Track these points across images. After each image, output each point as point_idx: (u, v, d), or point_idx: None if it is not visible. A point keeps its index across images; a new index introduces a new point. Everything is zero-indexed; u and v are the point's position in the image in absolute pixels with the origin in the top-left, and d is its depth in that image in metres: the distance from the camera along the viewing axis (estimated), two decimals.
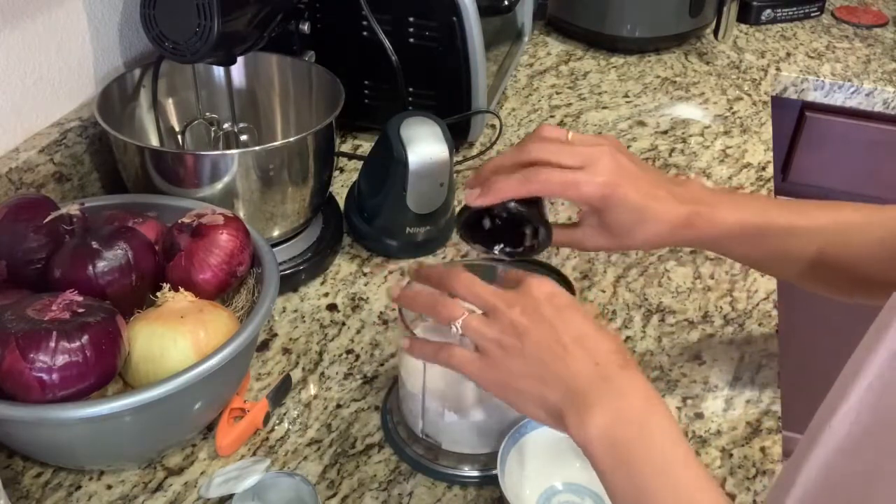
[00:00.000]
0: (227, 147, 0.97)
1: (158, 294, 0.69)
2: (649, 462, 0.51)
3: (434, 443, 0.69)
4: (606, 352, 0.55)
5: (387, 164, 0.88)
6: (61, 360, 0.59)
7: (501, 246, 0.69)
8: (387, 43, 0.99)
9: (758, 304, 0.89)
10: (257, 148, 0.82)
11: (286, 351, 0.82)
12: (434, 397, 0.67)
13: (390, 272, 0.92)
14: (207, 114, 0.96)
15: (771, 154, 1.17)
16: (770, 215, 0.69)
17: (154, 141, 0.94)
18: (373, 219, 0.92)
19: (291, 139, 0.84)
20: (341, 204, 0.99)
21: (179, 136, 0.96)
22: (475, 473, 0.69)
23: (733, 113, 1.26)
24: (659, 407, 0.53)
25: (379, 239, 0.93)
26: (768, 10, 1.53)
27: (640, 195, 0.66)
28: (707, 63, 1.41)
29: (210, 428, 0.72)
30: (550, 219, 0.69)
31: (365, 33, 1.03)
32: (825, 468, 0.43)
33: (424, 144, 0.88)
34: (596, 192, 0.65)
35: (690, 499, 0.50)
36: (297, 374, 0.79)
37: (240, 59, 0.90)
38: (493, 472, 0.65)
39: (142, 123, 0.93)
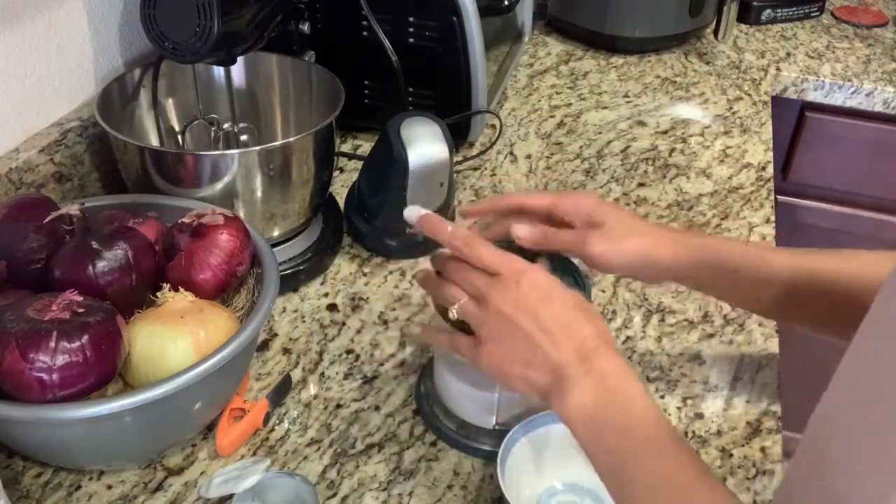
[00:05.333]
0: (227, 147, 0.97)
1: (158, 294, 0.69)
2: (622, 438, 0.54)
3: (510, 429, 0.69)
4: (586, 336, 0.58)
5: (387, 164, 0.88)
6: (61, 360, 0.59)
7: None
8: (387, 43, 0.98)
9: None
10: (257, 148, 0.82)
11: (286, 351, 0.82)
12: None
13: (390, 272, 0.92)
14: (208, 114, 0.96)
15: (771, 154, 1.17)
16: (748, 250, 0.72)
17: (154, 141, 0.94)
18: (373, 219, 0.92)
19: (291, 139, 0.84)
20: (341, 204, 0.99)
21: (179, 136, 0.96)
22: None
23: (733, 113, 1.26)
24: (631, 382, 0.56)
25: (379, 239, 0.93)
26: (768, 10, 1.53)
27: (628, 215, 0.71)
28: (707, 63, 1.41)
29: (210, 428, 0.72)
30: None
31: (365, 33, 1.03)
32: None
33: (424, 144, 0.88)
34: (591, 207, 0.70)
35: (659, 470, 0.52)
36: (297, 374, 0.79)
37: (240, 59, 0.90)
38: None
39: (142, 123, 0.93)
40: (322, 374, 0.79)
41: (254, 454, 0.71)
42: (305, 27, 1.02)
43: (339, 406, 0.76)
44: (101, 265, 0.68)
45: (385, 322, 0.85)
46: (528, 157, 1.14)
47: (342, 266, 0.93)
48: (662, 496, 0.51)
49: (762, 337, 0.85)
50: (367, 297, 0.88)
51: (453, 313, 0.62)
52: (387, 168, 0.89)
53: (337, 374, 0.79)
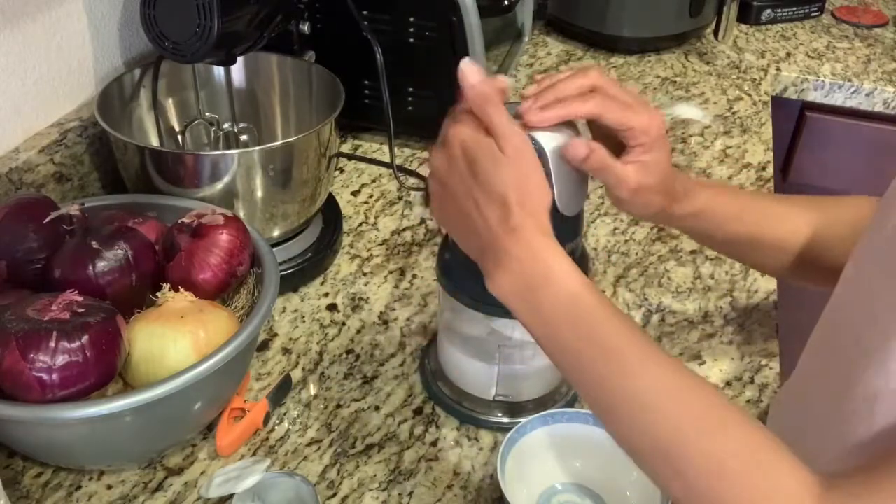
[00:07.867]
0: (227, 147, 0.97)
1: (158, 294, 0.69)
2: (556, 310, 0.52)
3: (509, 400, 0.68)
4: (512, 203, 0.53)
5: None
6: (61, 360, 0.59)
7: None
8: (379, 46, 0.98)
9: (758, 304, 0.89)
10: (257, 148, 0.82)
11: (286, 351, 0.82)
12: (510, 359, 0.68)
13: (390, 272, 0.92)
14: (207, 114, 0.96)
15: (771, 154, 1.17)
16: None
17: (154, 141, 0.94)
18: None
19: (291, 139, 0.84)
20: (341, 204, 0.99)
21: (179, 136, 0.96)
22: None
23: (733, 113, 1.26)
24: (555, 255, 0.53)
25: None
26: (768, 10, 1.53)
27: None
28: (707, 63, 1.41)
29: (210, 428, 0.72)
30: None
31: (365, 33, 1.03)
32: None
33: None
34: (651, 123, 0.61)
35: (593, 332, 0.51)
36: (297, 374, 0.79)
37: (240, 59, 0.90)
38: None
39: (142, 123, 0.93)
40: (322, 374, 0.79)
41: (254, 454, 0.71)
42: (305, 27, 1.02)
43: (339, 406, 0.76)
44: (101, 265, 0.68)
45: (385, 322, 0.85)
46: None
47: (342, 266, 0.93)
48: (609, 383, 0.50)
49: (762, 337, 0.85)
50: (367, 297, 0.88)
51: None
52: None
53: (337, 374, 0.79)
